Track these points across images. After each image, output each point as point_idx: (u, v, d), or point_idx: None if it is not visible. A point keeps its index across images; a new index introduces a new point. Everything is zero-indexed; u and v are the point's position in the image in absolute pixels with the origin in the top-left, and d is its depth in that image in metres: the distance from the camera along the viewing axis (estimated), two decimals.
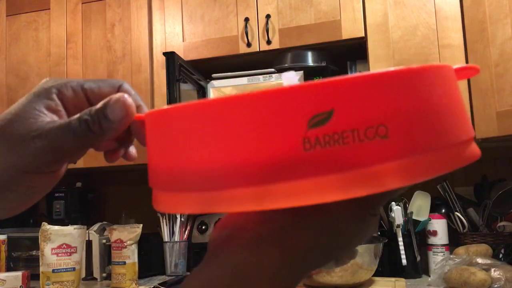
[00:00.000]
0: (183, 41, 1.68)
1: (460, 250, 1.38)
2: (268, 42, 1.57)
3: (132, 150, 0.36)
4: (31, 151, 0.29)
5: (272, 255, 0.25)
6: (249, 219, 0.27)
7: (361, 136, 0.22)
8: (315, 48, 1.57)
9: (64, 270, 1.38)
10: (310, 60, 1.56)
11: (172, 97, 1.42)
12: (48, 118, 0.30)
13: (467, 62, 1.39)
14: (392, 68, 0.23)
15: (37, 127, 0.29)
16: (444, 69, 0.25)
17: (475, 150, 0.27)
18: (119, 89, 0.33)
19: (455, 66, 0.28)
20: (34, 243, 1.59)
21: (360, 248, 1.27)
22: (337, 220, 0.26)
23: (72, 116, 0.30)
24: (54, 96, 0.31)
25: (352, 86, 0.22)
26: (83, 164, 1.67)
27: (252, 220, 0.27)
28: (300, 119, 0.22)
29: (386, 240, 1.40)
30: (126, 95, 0.30)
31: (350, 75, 0.22)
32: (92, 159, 1.56)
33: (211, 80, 1.65)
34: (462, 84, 1.39)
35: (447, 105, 0.25)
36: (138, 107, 0.32)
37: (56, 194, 1.82)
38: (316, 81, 0.22)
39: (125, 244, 1.52)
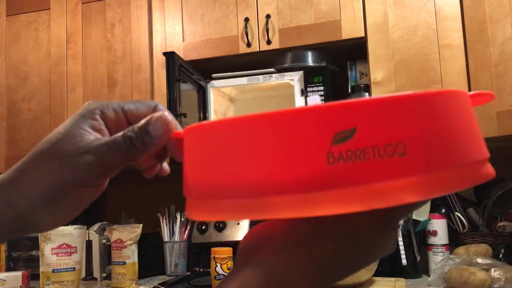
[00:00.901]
0: (183, 41, 1.68)
1: (460, 250, 1.38)
2: (268, 42, 1.57)
3: (166, 165, 0.39)
4: (80, 166, 0.31)
5: (299, 261, 0.27)
6: (276, 228, 0.30)
7: (381, 152, 0.24)
8: (315, 48, 1.57)
9: (64, 270, 1.38)
10: (310, 60, 1.56)
11: (172, 97, 1.42)
12: (92, 136, 0.32)
13: (467, 62, 1.39)
14: (410, 92, 0.25)
15: (84, 144, 0.32)
16: (459, 94, 0.27)
17: (489, 170, 0.28)
18: (154, 109, 0.36)
19: (470, 92, 0.30)
20: (34, 243, 1.59)
21: None
22: (359, 231, 0.28)
23: (113, 134, 0.33)
24: (98, 117, 0.33)
25: (373, 107, 0.24)
26: None
27: (279, 229, 0.29)
28: (325, 135, 0.24)
29: None
30: (166, 113, 0.33)
31: (371, 97, 0.24)
32: None
33: (211, 80, 1.65)
34: (462, 84, 1.39)
35: (462, 127, 0.26)
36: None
37: None
38: (341, 101, 0.24)
39: (125, 244, 1.52)
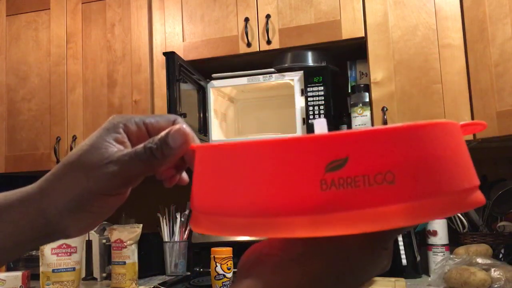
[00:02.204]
0: (183, 41, 1.68)
1: (460, 250, 1.38)
2: (268, 42, 1.57)
3: (185, 175, 0.41)
4: (104, 176, 0.34)
5: (294, 276, 0.30)
6: (274, 246, 0.32)
7: (371, 180, 0.25)
8: (315, 48, 1.57)
9: (64, 270, 1.38)
10: (310, 60, 1.56)
11: (172, 97, 1.42)
12: (116, 148, 0.35)
13: (467, 62, 1.39)
14: (400, 124, 0.27)
15: (108, 155, 0.34)
16: (448, 125, 0.29)
17: (478, 197, 0.30)
18: (173, 122, 0.38)
19: (462, 122, 0.32)
20: None
21: None
22: (350, 251, 0.30)
23: (135, 146, 0.35)
24: (121, 130, 0.36)
25: (364, 138, 0.26)
26: None
27: (276, 247, 0.31)
28: (319, 163, 0.26)
29: None
30: (184, 126, 0.35)
31: (363, 129, 0.26)
32: None
33: (211, 80, 1.65)
34: (462, 84, 1.39)
35: (450, 157, 0.28)
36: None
37: None
38: (335, 132, 0.26)
39: (125, 244, 1.52)
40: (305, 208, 0.26)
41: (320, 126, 0.32)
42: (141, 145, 0.35)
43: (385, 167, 0.26)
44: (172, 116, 0.38)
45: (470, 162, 0.30)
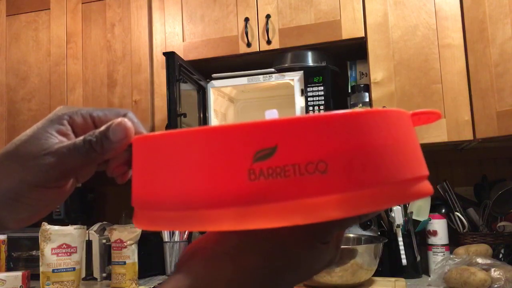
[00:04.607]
0: (183, 41, 1.68)
1: (460, 250, 1.38)
2: (268, 42, 1.57)
3: None
4: (41, 167, 0.33)
5: (225, 270, 0.28)
6: (210, 239, 0.31)
7: (302, 170, 0.24)
8: (315, 48, 1.57)
9: (64, 270, 1.38)
10: (310, 60, 1.56)
11: (172, 97, 1.42)
12: (57, 140, 0.34)
13: (467, 62, 1.39)
14: (334, 112, 0.25)
15: (47, 147, 0.33)
16: (392, 113, 0.28)
17: (423, 188, 0.28)
18: (124, 117, 0.36)
19: (414, 111, 0.31)
20: (34, 243, 1.59)
21: (360, 248, 1.27)
22: (286, 245, 0.29)
23: None
24: (65, 122, 0.35)
25: (294, 125, 0.25)
26: None
27: (211, 241, 0.30)
28: (247, 152, 0.25)
29: (386, 240, 1.40)
30: (126, 120, 0.34)
31: (293, 116, 0.25)
32: None
33: (211, 80, 1.65)
34: (462, 84, 1.39)
35: (391, 146, 0.26)
36: (140, 134, 0.35)
37: None
38: (263, 120, 0.25)
39: (125, 244, 1.52)
40: (232, 200, 0.25)
41: (271, 118, 0.31)
42: (81, 138, 0.34)
43: (316, 156, 0.24)
44: (123, 110, 0.37)
45: (418, 152, 0.29)
